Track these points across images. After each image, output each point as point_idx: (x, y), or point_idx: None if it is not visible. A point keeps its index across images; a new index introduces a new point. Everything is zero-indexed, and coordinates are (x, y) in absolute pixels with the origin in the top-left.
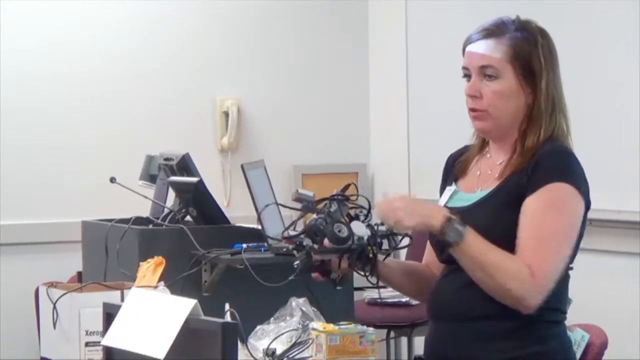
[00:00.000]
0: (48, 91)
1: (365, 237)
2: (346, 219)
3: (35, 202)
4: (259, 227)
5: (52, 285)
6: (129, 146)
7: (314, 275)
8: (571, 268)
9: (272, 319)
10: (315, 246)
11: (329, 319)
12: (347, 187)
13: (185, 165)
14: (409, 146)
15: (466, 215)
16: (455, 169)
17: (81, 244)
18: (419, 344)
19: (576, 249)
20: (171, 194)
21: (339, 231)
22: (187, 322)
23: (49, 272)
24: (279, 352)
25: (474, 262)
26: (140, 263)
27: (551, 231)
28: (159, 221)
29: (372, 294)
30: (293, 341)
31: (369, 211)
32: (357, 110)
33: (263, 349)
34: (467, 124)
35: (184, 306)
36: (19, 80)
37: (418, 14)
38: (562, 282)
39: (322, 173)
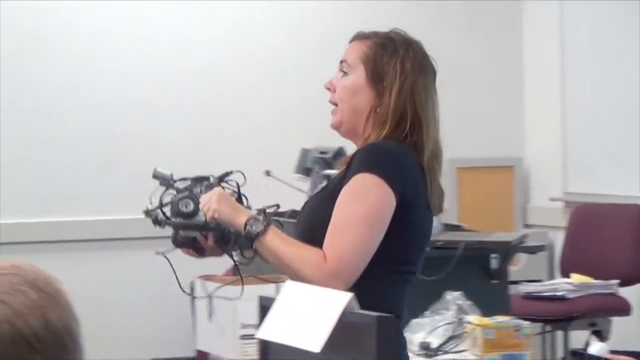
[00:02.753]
0: (201, 84)
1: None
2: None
3: None
4: None
5: (208, 278)
6: (285, 139)
7: (184, 250)
8: (413, 273)
9: (427, 312)
10: (164, 219)
11: (484, 313)
12: (227, 174)
13: (339, 158)
14: (564, 140)
15: (306, 203)
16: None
17: None
18: (576, 338)
19: (397, 237)
20: None
21: (185, 206)
22: (343, 315)
23: (205, 265)
24: (434, 345)
25: (273, 253)
26: None
27: (345, 217)
28: None
29: (528, 287)
30: (448, 335)
31: (239, 194)
32: (512, 105)
33: (418, 343)
34: (624, 119)
35: (340, 299)
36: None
37: (573, 9)
38: (390, 284)
39: (478, 167)
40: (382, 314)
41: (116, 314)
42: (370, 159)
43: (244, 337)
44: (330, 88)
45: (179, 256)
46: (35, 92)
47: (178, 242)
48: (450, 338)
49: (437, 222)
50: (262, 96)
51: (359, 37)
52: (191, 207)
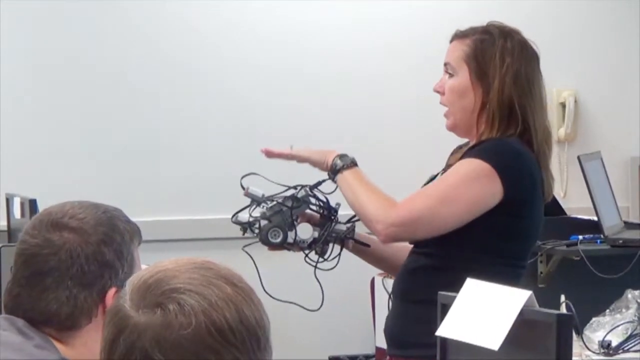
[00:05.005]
0: (374, 89)
1: (308, 241)
2: (294, 219)
3: None
4: (596, 218)
5: (387, 275)
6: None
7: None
8: (522, 267)
9: (607, 311)
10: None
11: None
12: (319, 183)
13: None
14: None
15: None
16: (449, 158)
17: None
18: None
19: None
20: None
21: (274, 236)
22: (522, 313)
23: None
24: (614, 344)
25: (350, 189)
26: None
27: (437, 185)
28: None
29: None
30: (629, 333)
31: (329, 211)
32: None
33: (598, 341)
34: None
35: (519, 297)
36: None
37: None
38: (510, 279)
39: None
40: (562, 313)
41: (295, 312)
42: (489, 149)
43: None
44: (440, 91)
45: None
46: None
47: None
48: (631, 336)
49: (618, 220)
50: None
51: (458, 36)
52: (279, 237)
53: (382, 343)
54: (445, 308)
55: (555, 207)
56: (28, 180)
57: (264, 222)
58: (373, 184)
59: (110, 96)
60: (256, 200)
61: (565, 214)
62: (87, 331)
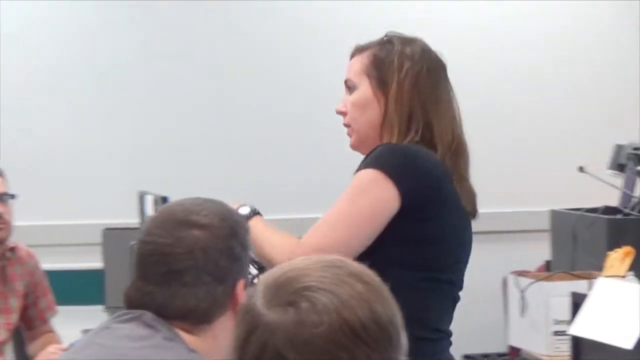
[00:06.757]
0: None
1: None
2: None
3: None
4: None
5: (520, 273)
6: (598, 135)
7: None
8: (451, 283)
9: None
10: None
11: None
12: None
13: None
14: None
15: None
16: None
17: (550, 233)
18: None
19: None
20: None
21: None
22: None
23: (517, 261)
24: None
25: (252, 236)
26: (608, 252)
27: (334, 211)
28: (628, 210)
29: None
30: None
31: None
32: None
33: None
34: None
35: None
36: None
37: None
38: (427, 294)
39: None
40: None
41: None
42: (375, 155)
43: (556, 333)
44: (343, 111)
45: (492, 252)
46: None
47: None
48: None
49: None
50: (578, 94)
51: (358, 50)
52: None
53: (515, 341)
54: (577, 306)
55: None
56: (158, 179)
57: None
58: (273, 229)
59: (246, 97)
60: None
61: None
62: (219, 323)
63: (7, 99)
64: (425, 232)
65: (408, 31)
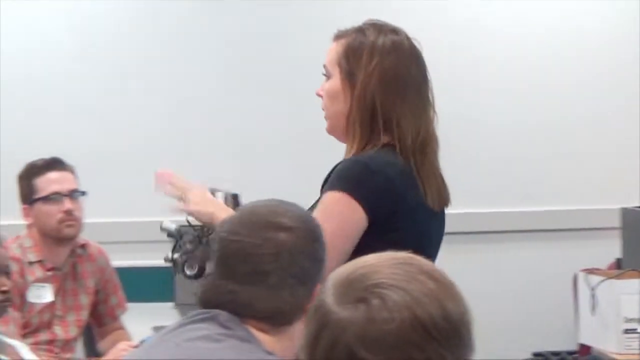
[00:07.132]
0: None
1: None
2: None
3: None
4: None
5: (591, 271)
6: None
7: None
8: None
9: None
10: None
11: None
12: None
13: None
14: None
15: None
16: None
17: (620, 231)
18: None
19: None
20: None
21: (191, 269)
22: None
23: (587, 259)
24: None
25: None
26: None
27: None
28: None
29: None
30: None
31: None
32: None
33: None
34: None
35: None
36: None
37: None
38: None
39: None
40: None
41: (495, 308)
42: (338, 176)
43: (627, 331)
44: (321, 94)
45: (563, 250)
46: None
47: None
48: None
49: None
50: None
51: (337, 37)
52: (195, 270)
53: (585, 339)
54: None
55: None
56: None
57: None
58: None
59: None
60: (172, 234)
61: None
62: (298, 325)
63: (87, 99)
64: (395, 240)
65: (408, 31)
